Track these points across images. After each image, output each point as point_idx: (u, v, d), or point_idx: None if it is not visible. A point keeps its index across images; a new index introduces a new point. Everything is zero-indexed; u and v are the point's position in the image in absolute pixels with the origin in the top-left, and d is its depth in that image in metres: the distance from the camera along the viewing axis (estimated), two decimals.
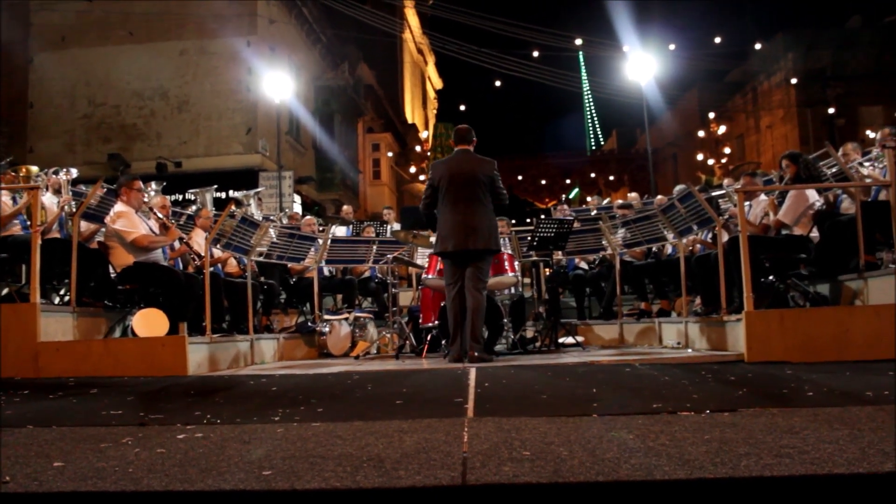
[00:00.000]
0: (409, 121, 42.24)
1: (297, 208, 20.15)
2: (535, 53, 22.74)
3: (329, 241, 9.07)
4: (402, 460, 2.32)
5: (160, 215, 6.99)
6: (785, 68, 33.97)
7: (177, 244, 7.49)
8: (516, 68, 23.92)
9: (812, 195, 6.71)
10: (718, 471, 2.05)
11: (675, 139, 42.68)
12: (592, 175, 49.10)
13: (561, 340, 7.99)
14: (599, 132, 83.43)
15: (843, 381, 4.12)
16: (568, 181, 50.04)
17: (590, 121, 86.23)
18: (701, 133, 38.96)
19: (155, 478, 2.19)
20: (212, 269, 8.01)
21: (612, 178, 48.07)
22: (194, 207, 9.60)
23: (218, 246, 7.30)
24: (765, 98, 36.36)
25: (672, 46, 27.91)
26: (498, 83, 25.71)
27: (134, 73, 19.53)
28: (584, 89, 78.40)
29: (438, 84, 57.55)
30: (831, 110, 30.73)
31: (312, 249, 8.93)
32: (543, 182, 49.77)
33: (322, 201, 23.57)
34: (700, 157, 38.56)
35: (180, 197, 17.12)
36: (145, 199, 7.06)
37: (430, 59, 52.61)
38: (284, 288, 9.91)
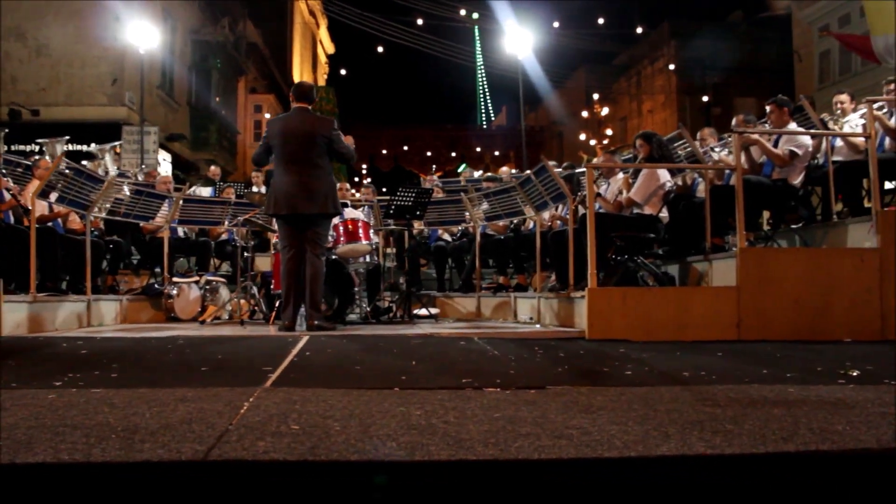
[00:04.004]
0: None
1: (167, 166, 19.32)
2: (420, 21, 22.52)
3: (182, 201, 8.64)
4: (159, 432, 2.14)
5: None
6: (668, 55, 35.03)
7: (7, 196, 6.97)
8: (407, 37, 23.67)
9: (663, 175, 6.80)
10: (485, 452, 1.95)
11: (560, 118, 43.44)
12: (478, 149, 49.42)
13: (417, 312, 7.91)
14: (491, 108, 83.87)
15: (669, 360, 4.15)
16: (453, 154, 50.19)
17: (482, 96, 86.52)
18: (584, 113, 39.77)
19: None
20: (50, 224, 7.52)
21: (497, 153, 48.51)
22: (36, 157, 8.96)
23: (50, 199, 6.81)
24: (648, 83, 37.43)
25: (556, 24, 28.21)
26: (381, 49, 25.34)
27: None
28: (478, 64, 78.43)
29: (330, 48, 56.32)
30: (706, 98, 31.88)
31: (165, 208, 8.49)
32: (429, 154, 49.72)
33: (196, 161, 22.62)
34: (583, 136, 39.37)
35: (37, 148, 16.09)
36: None
37: (323, 23, 51.39)
38: (137, 248, 9.43)
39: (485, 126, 70.33)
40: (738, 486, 1.83)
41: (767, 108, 6.83)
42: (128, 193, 8.06)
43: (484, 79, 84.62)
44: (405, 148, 49.36)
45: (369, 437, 2.10)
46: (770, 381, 3.26)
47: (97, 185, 7.32)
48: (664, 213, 6.93)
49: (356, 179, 35.72)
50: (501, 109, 66.11)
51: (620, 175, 7.31)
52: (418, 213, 7.79)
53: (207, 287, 8.29)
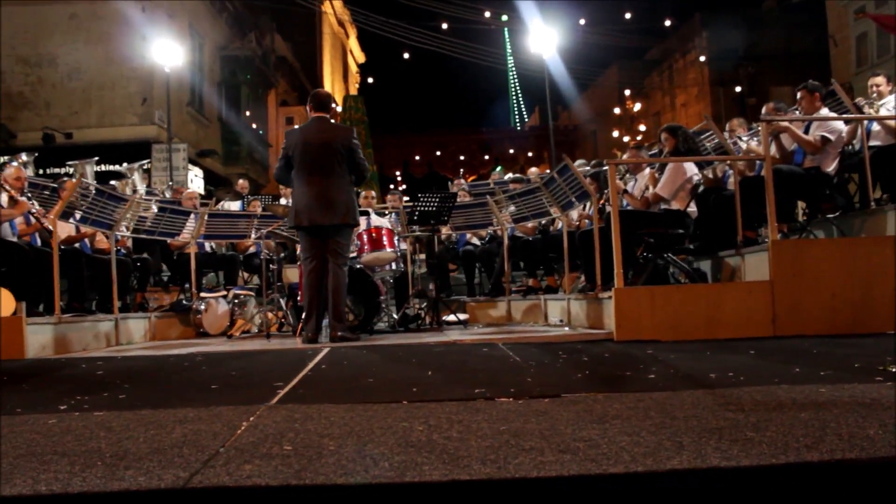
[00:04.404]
0: None
1: (199, 182, 19.47)
2: (444, 26, 22.43)
3: (207, 216, 8.63)
4: (147, 457, 2.05)
5: (6, 187, 6.49)
6: (700, 47, 34.55)
7: (32, 220, 7.01)
8: (435, 43, 23.57)
9: (690, 169, 6.61)
10: (481, 470, 1.83)
11: (593, 116, 43.10)
12: (511, 151, 49.22)
13: (446, 318, 7.79)
14: (524, 109, 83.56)
15: (697, 361, 3.98)
16: (486, 157, 50.06)
17: (514, 97, 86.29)
18: (617, 110, 39.39)
19: None
20: (77, 244, 7.56)
21: (530, 154, 48.27)
22: (63, 180, 9.04)
23: (72, 220, 6.84)
24: (680, 76, 36.99)
25: (582, 21, 27.96)
26: (410, 56, 25.32)
27: (19, 37, 18.11)
28: (509, 65, 78.16)
29: (361, 58, 56.57)
30: (740, 89, 31.34)
31: (191, 224, 8.48)
32: (462, 158, 49.63)
33: (228, 175, 22.78)
34: (616, 133, 39.00)
35: (70, 170, 16.33)
36: None
37: (352, 33, 51.66)
38: (167, 264, 9.47)
39: (518, 128, 70.07)
40: (751, 501, 1.68)
41: (798, 95, 6.60)
42: (154, 210, 8.08)
43: (516, 80, 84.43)
44: (438, 153, 49.37)
45: (362, 456, 1.99)
46: (801, 380, 3.08)
47: (120, 204, 7.33)
48: (692, 208, 6.73)
49: (391, 186, 35.79)
50: (534, 110, 65.81)
51: (647, 171, 7.12)
52: (443, 218, 7.68)
53: (235, 301, 8.27)
